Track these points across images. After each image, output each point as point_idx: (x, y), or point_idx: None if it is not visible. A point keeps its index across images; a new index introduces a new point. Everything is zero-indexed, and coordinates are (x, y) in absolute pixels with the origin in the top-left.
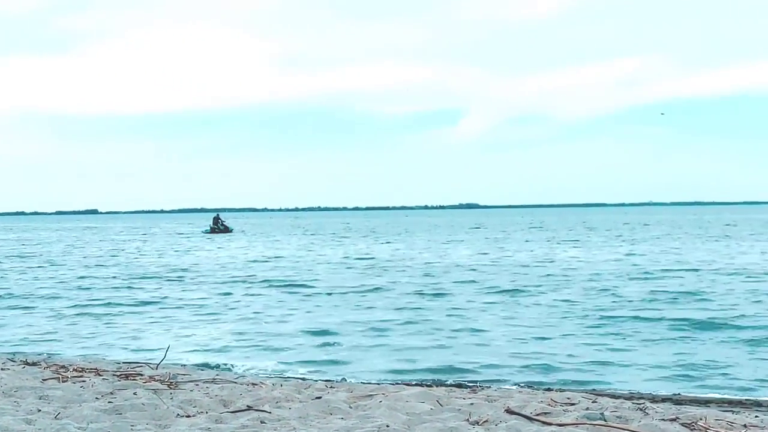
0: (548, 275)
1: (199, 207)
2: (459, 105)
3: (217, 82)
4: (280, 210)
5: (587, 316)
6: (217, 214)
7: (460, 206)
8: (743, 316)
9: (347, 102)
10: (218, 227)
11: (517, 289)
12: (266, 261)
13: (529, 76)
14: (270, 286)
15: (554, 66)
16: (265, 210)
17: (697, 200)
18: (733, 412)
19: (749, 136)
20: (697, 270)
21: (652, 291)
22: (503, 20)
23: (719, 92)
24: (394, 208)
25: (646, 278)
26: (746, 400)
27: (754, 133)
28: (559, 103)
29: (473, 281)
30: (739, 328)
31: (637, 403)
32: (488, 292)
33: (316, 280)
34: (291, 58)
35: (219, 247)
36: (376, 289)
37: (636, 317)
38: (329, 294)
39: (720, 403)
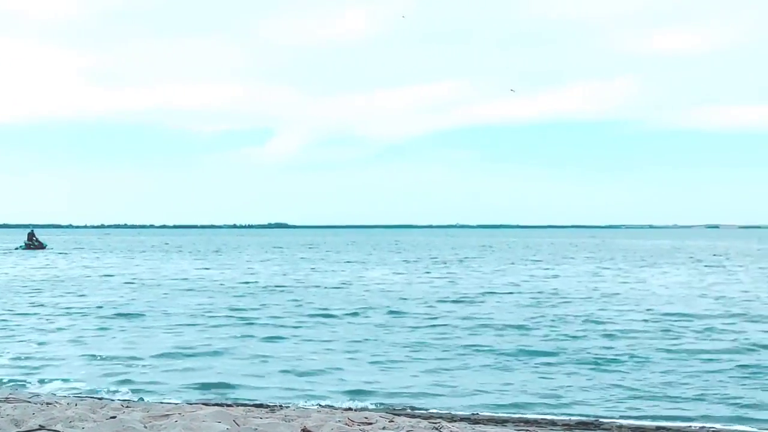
0: (358, 296)
1: (0, 223)
2: (271, 124)
3: (22, 95)
4: (85, 227)
5: (397, 337)
6: (32, 230)
7: (269, 225)
8: (553, 338)
9: (158, 118)
10: (33, 243)
11: (328, 314)
12: (79, 278)
13: (341, 97)
14: (77, 305)
15: (366, 88)
16: (70, 226)
17: (503, 223)
18: (524, 430)
19: (554, 162)
20: (511, 293)
21: (465, 315)
22: (316, 41)
23: (527, 118)
24: (202, 226)
25: (460, 301)
26: (542, 419)
27: (558, 159)
28: (371, 125)
29: (280, 301)
30: (547, 353)
31: (434, 423)
32: (296, 314)
33: (124, 299)
34: (101, 73)
35: (31, 265)
36: (184, 309)
37: (446, 341)
38: (135, 315)
39: (517, 422)
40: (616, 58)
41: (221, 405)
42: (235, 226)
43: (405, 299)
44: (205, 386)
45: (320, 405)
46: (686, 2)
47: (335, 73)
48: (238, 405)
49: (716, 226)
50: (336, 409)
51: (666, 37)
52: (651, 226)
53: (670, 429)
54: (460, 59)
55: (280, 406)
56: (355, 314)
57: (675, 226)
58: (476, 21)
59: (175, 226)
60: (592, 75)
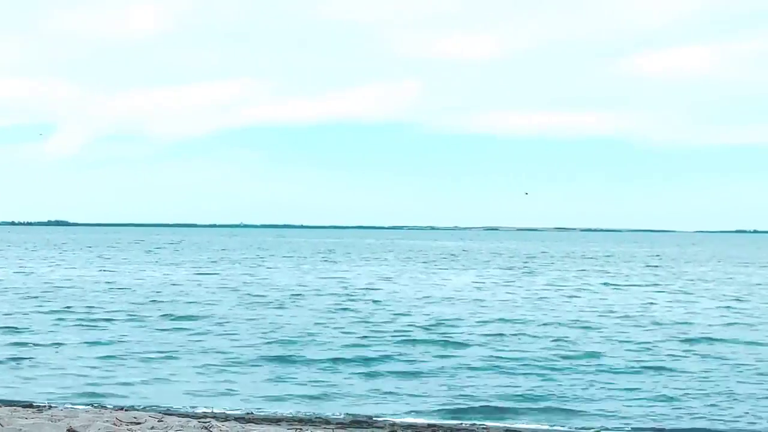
0: (140, 298)
1: None
2: (51, 120)
3: None
4: None
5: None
6: None
7: (49, 223)
8: (329, 341)
9: None
10: None
11: (107, 318)
12: None
13: (125, 94)
14: None
15: (151, 85)
16: None
17: (287, 223)
18: (297, 429)
19: (339, 163)
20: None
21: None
22: (100, 37)
23: (313, 119)
24: None
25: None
26: (316, 418)
27: (344, 160)
28: (156, 122)
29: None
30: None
31: (204, 422)
32: (76, 318)
33: None
34: None
35: None
36: None
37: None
38: None
39: (291, 421)
40: (401, 62)
41: None
42: (13, 224)
43: (189, 303)
44: None
45: (91, 405)
46: (473, 9)
47: (121, 69)
48: (5, 405)
49: (495, 229)
50: (105, 408)
51: (451, 42)
52: (432, 228)
53: (442, 426)
54: (247, 58)
55: (49, 406)
56: (133, 318)
57: (456, 228)
58: (263, 21)
59: None
60: (377, 78)
